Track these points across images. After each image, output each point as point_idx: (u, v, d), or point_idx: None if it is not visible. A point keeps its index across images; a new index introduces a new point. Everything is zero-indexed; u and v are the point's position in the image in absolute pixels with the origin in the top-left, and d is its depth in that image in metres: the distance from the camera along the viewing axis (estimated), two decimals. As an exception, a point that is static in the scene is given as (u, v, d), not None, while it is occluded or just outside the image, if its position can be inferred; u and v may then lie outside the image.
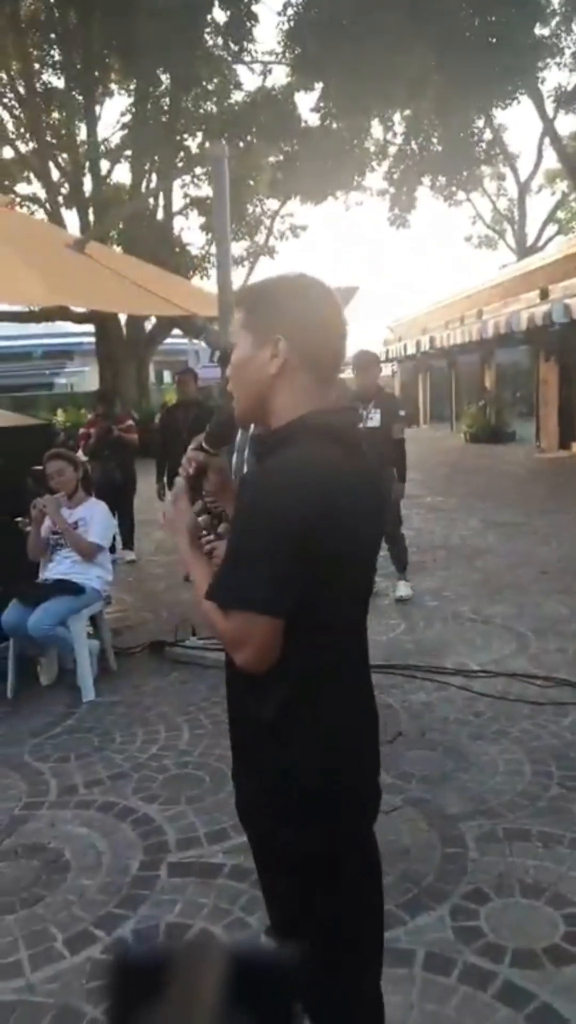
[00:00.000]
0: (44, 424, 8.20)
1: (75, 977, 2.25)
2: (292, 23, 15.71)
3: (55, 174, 18.53)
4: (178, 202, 20.83)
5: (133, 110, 18.43)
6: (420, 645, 4.85)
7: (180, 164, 19.63)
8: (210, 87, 19.05)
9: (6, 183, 17.97)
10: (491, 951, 2.20)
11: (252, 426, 3.03)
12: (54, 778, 3.45)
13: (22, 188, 18.93)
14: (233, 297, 2.12)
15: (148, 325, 19.25)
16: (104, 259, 5.20)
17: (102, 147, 18.75)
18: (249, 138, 18.90)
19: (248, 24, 15.90)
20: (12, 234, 4.67)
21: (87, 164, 18.51)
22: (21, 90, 17.46)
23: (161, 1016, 0.40)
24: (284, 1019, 0.43)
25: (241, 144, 18.37)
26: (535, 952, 2.18)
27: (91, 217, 18.01)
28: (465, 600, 5.75)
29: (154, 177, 19.35)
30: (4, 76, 17.69)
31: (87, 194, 18.42)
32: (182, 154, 19.62)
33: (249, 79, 21.84)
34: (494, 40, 15.38)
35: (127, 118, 19.00)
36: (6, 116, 18.28)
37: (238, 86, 19.94)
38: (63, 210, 18.40)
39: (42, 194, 18.39)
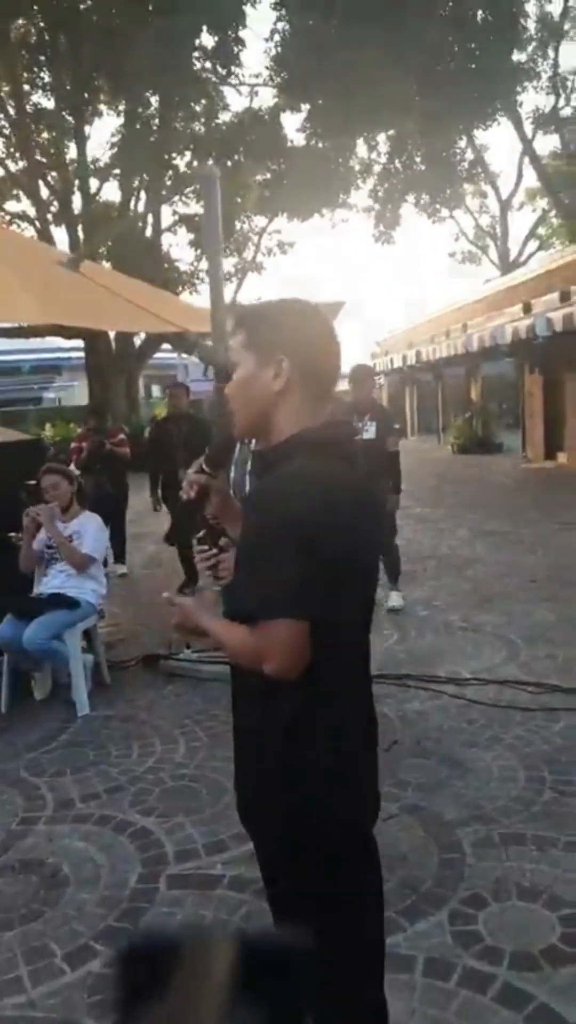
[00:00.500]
0: (34, 439, 8.22)
1: (76, 992, 2.25)
2: (279, 49, 15.92)
3: (44, 192, 18.63)
4: (167, 219, 20.99)
5: (123, 130, 18.58)
6: (412, 654, 4.88)
7: (169, 183, 19.80)
8: (198, 108, 19.26)
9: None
10: (490, 954, 2.22)
11: (253, 441, 3.09)
12: (50, 792, 3.45)
13: (11, 206, 19.04)
14: (231, 317, 2.17)
15: (138, 340, 19.33)
16: (97, 277, 5.26)
17: (91, 166, 18.88)
18: (237, 157, 19.10)
19: (235, 49, 16.10)
20: (4, 252, 4.71)
21: (76, 182, 18.63)
22: (11, 111, 17.57)
23: (169, 1004, 0.40)
24: (294, 1004, 0.43)
25: (229, 163, 18.57)
26: (533, 954, 2.21)
27: (80, 235, 18.10)
28: (456, 609, 5.79)
29: (143, 195, 19.52)
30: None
31: (76, 212, 18.52)
32: (170, 173, 19.79)
33: (236, 100, 22.19)
34: (474, 66, 15.70)
35: (116, 138, 19.15)
36: (-3, 137, 18.40)
37: (226, 107, 20.18)
38: (52, 227, 18.48)
39: (31, 212, 18.47)
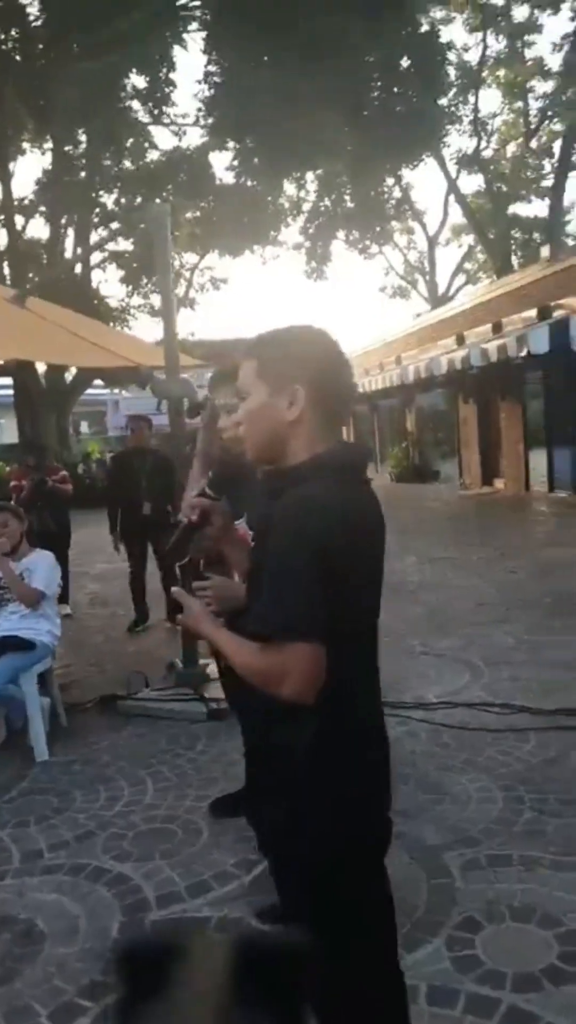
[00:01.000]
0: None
1: (65, 1051, 2.13)
2: (211, 91, 16.22)
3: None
4: (96, 255, 20.95)
5: (50, 168, 18.54)
6: (376, 682, 4.87)
7: (96, 220, 19.82)
8: (127, 146, 19.39)
9: None
10: (491, 978, 2.20)
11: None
12: (14, 844, 3.29)
13: None
14: (202, 353, 2.19)
15: (69, 375, 19.12)
16: (45, 313, 5.19)
17: (15, 203, 18.74)
18: (166, 195, 19.26)
19: (167, 89, 16.34)
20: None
21: (1, 219, 18.44)
22: None
23: (170, 1006, 0.40)
24: (293, 1005, 0.42)
25: (158, 201, 18.72)
26: (534, 974, 2.19)
27: (7, 271, 17.89)
28: (414, 634, 5.83)
29: (71, 232, 19.47)
30: None
31: (1, 248, 18.32)
32: (98, 210, 19.81)
33: (165, 138, 22.47)
34: (399, 109, 16.29)
35: (43, 175, 19.08)
36: None
37: (154, 146, 20.38)
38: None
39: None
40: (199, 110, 18.16)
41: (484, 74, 21.54)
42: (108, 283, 30.09)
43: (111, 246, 21.10)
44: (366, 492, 1.56)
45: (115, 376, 5.20)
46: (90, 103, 14.76)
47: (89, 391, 23.37)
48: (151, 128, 19.43)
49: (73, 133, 17.45)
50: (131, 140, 19.18)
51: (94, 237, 19.84)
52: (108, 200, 20.17)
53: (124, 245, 20.18)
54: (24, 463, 8.17)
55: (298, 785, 1.45)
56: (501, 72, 22.97)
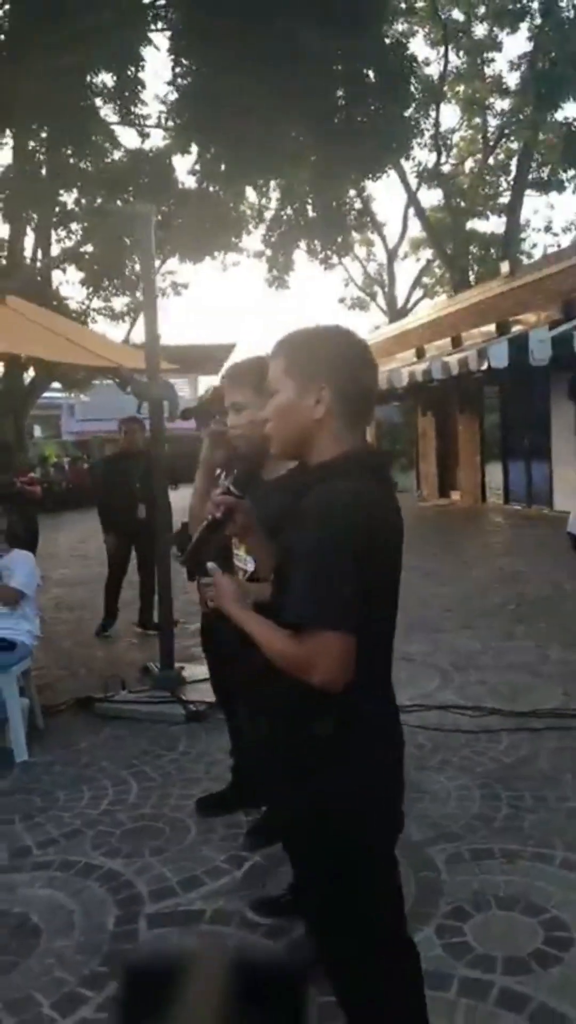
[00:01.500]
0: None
1: (72, 1039, 2.18)
2: (177, 94, 16.24)
3: None
4: (56, 254, 20.72)
5: (10, 164, 18.31)
6: (349, 685, 4.98)
7: (55, 220, 19.63)
8: (89, 146, 19.24)
9: None
10: (483, 963, 2.32)
11: (217, 470, 3.13)
12: (2, 841, 3.31)
13: None
14: (217, 361, 2.27)
15: (27, 377, 18.88)
16: (25, 311, 5.19)
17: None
18: (127, 196, 19.17)
19: (136, 88, 16.29)
20: None
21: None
22: None
23: (171, 1023, 0.40)
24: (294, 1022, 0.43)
25: (119, 202, 18.65)
26: (523, 958, 2.32)
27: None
28: (383, 641, 5.96)
29: (30, 231, 19.25)
30: None
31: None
32: (58, 209, 19.62)
33: (129, 139, 22.36)
34: (362, 120, 16.54)
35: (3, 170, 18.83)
36: None
37: (117, 146, 20.26)
38: None
39: None
40: (161, 112, 18.18)
41: (445, 89, 21.98)
42: (69, 284, 29.67)
43: (72, 247, 20.93)
44: (390, 491, 1.65)
45: (113, 376, 5.11)
46: (55, 99, 14.61)
47: (44, 395, 23.10)
48: (117, 128, 19.33)
49: (35, 129, 17.24)
50: (96, 138, 19.05)
51: (54, 237, 19.68)
52: (68, 199, 20.00)
53: (86, 246, 20.01)
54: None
55: (321, 772, 1.53)
56: (461, 88, 23.47)
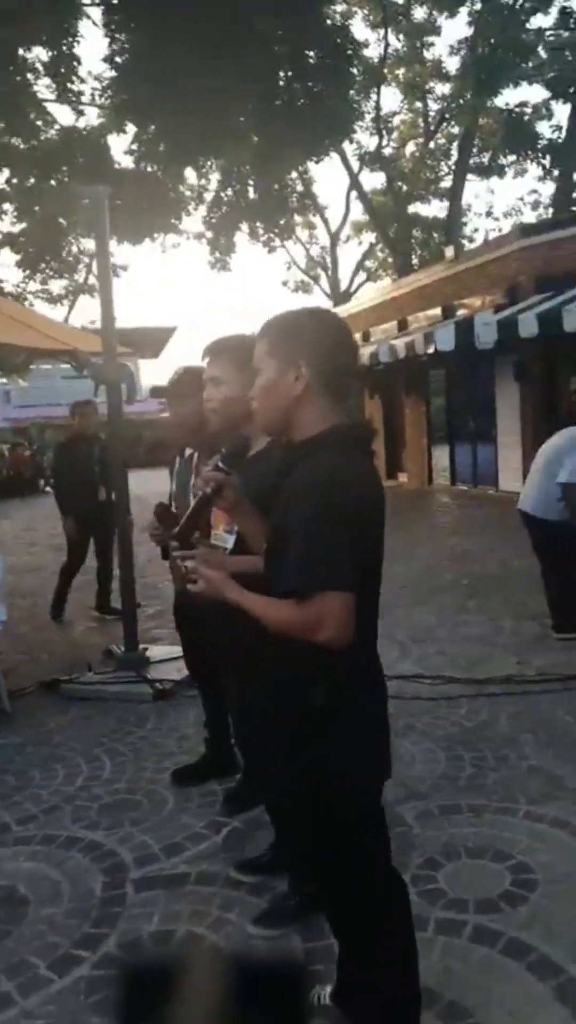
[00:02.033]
0: None
1: (71, 996, 2.27)
2: (114, 71, 15.97)
3: None
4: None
5: None
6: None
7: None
8: (21, 124, 18.76)
9: None
10: (456, 905, 2.49)
11: (187, 451, 3.22)
12: (-19, 821, 3.36)
13: None
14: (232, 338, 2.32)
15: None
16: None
17: None
18: (61, 176, 18.79)
19: (73, 64, 15.93)
20: None
21: None
22: None
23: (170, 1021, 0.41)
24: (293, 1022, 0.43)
25: (53, 182, 18.31)
26: (493, 899, 2.50)
27: None
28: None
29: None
30: None
31: None
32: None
33: (64, 116, 21.80)
34: (303, 102, 16.53)
35: None
36: None
37: (50, 124, 19.80)
38: None
39: None
40: (95, 90, 17.85)
41: (385, 72, 22.07)
42: (4, 267, 28.94)
43: (5, 228, 20.46)
44: (373, 465, 1.77)
45: (70, 359, 5.08)
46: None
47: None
48: (51, 105, 18.89)
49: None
50: (30, 115, 18.57)
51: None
52: (-1, 179, 19.50)
53: (17, 226, 19.55)
54: None
55: (319, 731, 1.65)
56: (401, 71, 23.59)
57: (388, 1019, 1.80)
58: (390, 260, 25.23)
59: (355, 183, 23.42)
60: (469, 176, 24.12)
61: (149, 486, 8.49)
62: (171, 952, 2.40)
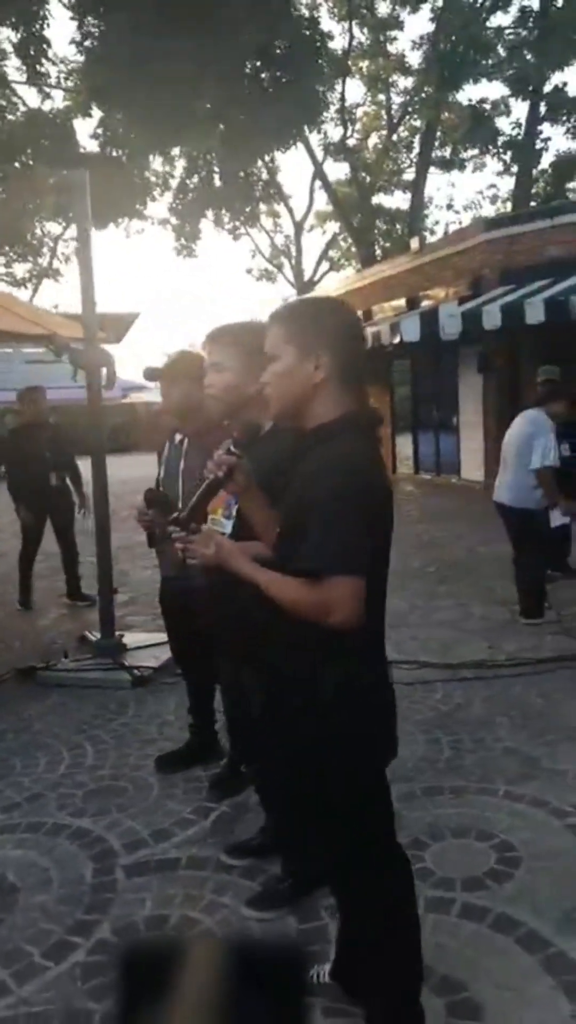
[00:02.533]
0: None
1: (68, 982, 2.28)
2: (84, 56, 15.71)
3: None
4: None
5: None
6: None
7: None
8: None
9: None
10: (444, 884, 2.56)
11: (177, 436, 3.22)
12: (-38, 810, 3.34)
13: None
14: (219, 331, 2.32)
15: None
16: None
17: None
18: (25, 159, 18.46)
19: (43, 47, 15.64)
20: None
21: None
22: None
23: (170, 1010, 0.40)
24: (295, 1008, 0.43)
25: (17, 164, 17.99)
26: (479, 877, 2.57)
27: None
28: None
29: None
30: None
31: None
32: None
33: (29, 99, 21.36)
34: (271, 91, 16.46)
35: None
36: None
37: (14, 107, 19.42)
38: None
39: None
40: (62, 73, 17.55)
41: (349, 63, 22.04)
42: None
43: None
44: (379, 451, 1.82)
45: (49, 344, 4.99)
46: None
47: None
48: (18, 87, 18.53)
49: None
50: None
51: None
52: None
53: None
54: None
55: (331, 703, 1.69)
56: (365, 64, 23.60)
57: (390, 994, 1.85)
58: (354, 250, 25.26)
59: (319, 173, 23.38)
60: (431, 169, 24.24)
61: (113, 472, 8.42)
62: (168, 936, 2.43)
